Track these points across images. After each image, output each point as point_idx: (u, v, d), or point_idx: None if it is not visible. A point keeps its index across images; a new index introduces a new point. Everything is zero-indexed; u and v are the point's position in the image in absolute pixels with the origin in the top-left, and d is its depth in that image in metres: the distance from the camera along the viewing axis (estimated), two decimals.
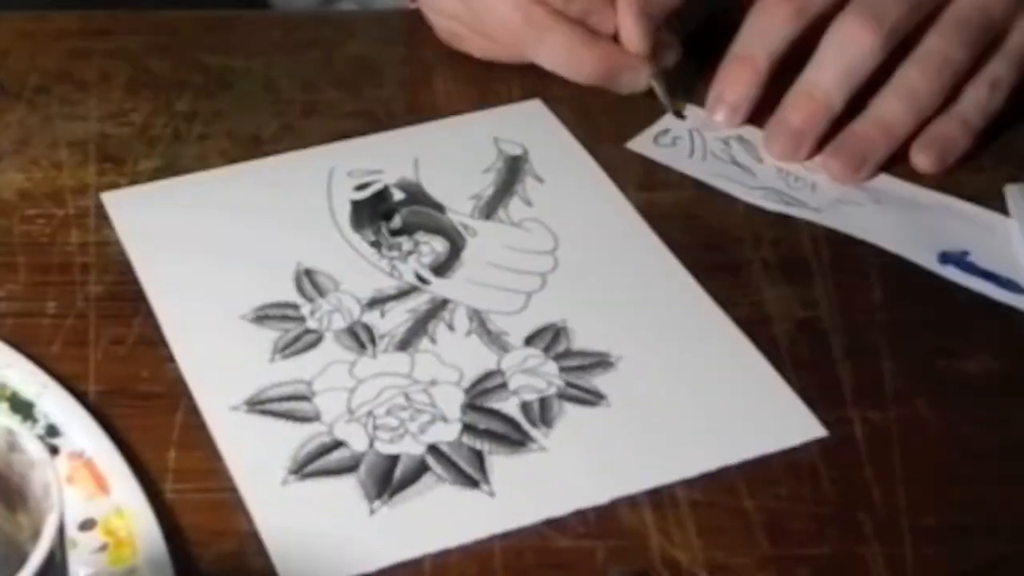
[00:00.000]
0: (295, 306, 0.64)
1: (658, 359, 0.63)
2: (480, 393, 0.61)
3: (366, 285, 0.66)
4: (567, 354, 0.63)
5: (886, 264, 0.68)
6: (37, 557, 0.40)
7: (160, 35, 0.79)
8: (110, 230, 0.68)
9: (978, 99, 0.73)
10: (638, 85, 0.75)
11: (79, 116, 0.74)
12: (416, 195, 0.70)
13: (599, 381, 0.62)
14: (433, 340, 0.63)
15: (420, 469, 0.58)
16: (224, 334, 0.63)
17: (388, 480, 0.58)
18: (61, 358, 0.62)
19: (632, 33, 0.74)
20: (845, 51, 0.71)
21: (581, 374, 0.62)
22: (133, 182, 0.71)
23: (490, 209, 0.70)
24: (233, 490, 0.57)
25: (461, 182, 0.71)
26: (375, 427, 0.59)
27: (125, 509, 0.55)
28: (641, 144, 0.74)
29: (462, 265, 0.67)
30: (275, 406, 0.60)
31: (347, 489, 0.57)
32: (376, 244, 0.68)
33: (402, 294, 0.65)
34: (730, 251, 0.68)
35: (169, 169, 0.71)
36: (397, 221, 0.69)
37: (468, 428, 0.60)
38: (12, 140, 0.73)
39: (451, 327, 0.64)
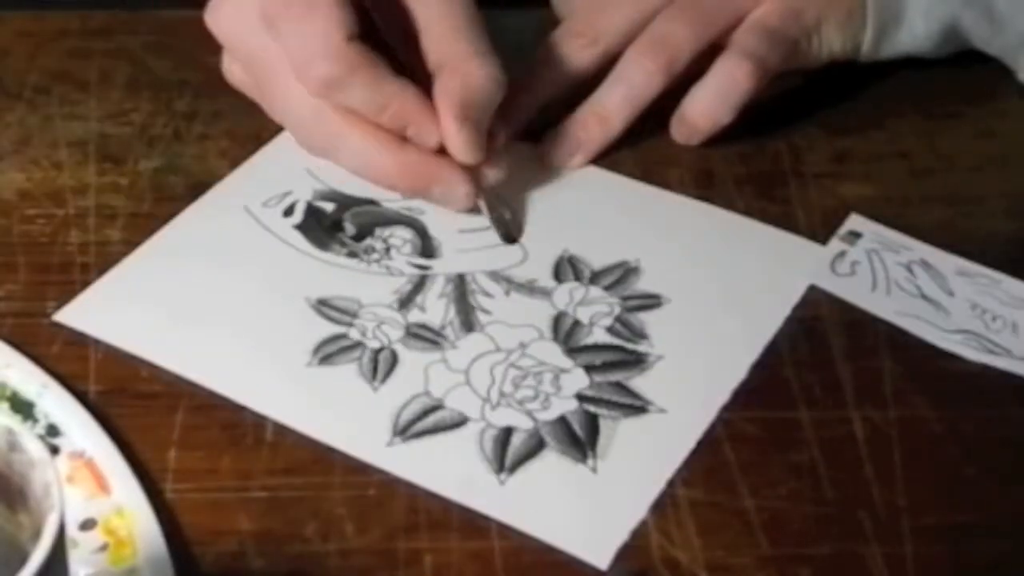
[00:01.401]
0: (344, 335, 0.63)
1: (669, 252, 0.67)
2: (567, 336, 0.63)
3: (382, 291, 0.65)
4: (596, 275, 0.66)
5: None
6: (37, 557, 0.40)
7: (160, 35, 0.79)
8: (111, 229, 0.68)
9: (716, 74, 0.72)
10: (458, 201, 0.68)
11: (79, 116, 0.74)
12: (343, 200, 0.70)
13: (642, 285, 0.65)
14: (486, 311, 0.64)
15: (592, 418, 0.60)
16: (308, 384, 0.61)
17: (577, 440, 0.59)
18: (61, 358, 0.62)
19: (455, 140, 0.66)
20: (630, 81, 0.72)
21: (624, 286, 0.65)
22: (133, 182, 0.71)
23: None
24: (234, 490, 0.57)
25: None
26: (519, 401, 0.60)
27: (125, 509, 0.55)
28: (818, 273, 0.67)
29: (440, 242, 0.67)
30: (421, 424, 0.59)
31: (554, 462, 0.58)
32: (352, 255, 0.67)
33: (418, 286, 0.65)
34: None
35: (169, 169, 0.71)
36: (349, 228, 0.68)
37: (590, 368, 0.62)
38: (12, 140, 0.73)
39: (488, 294, 0.65)
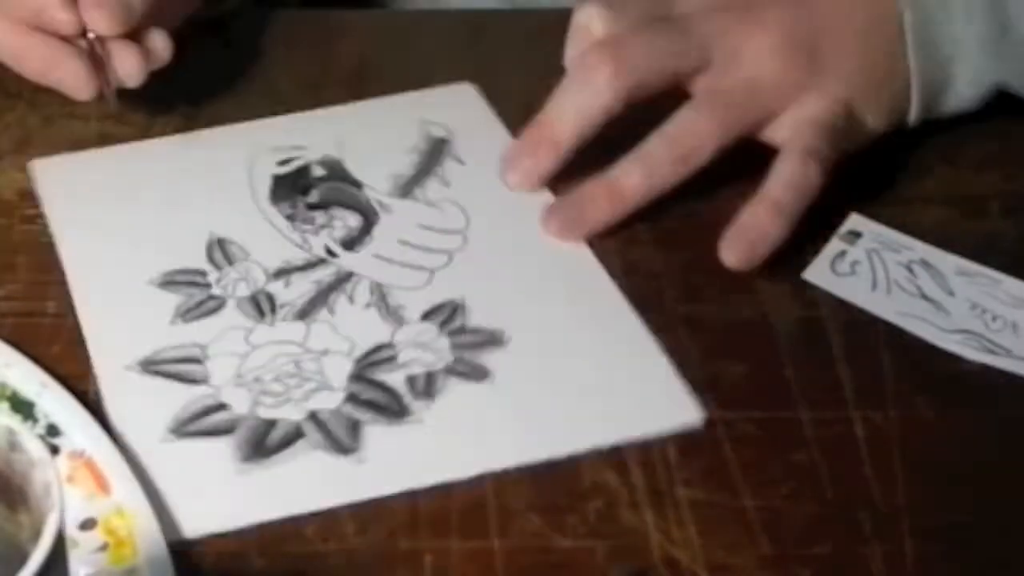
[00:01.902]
0: (203, 273, 0.66)
1: (548, 339, 0.64)
2: (369, 364, 0.62)
3: (275, 256, 0.67)
4: (461, 331, 0.64)
5: None
6: (37, 557, 0.40)
7: None
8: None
9: (786, 174, 0.67)
10: (75, 91, 0.69)
11: (79, 116, 0.74)
12: (336, 172, 0.71)
13: (487, 358, 0.63)
14: (331, 311, 0.64)
15: (295, 435, 0.59)
16: (129, 298, 0.65)
17: (262, 444, 0.59)
18: (61, 358, 0.62)
19: (93, 13, 0.68)
20: (651, 170, 0.67)
21: (472, 350, 0.63)
22: None
23: (407, 188, 0.71)
24: None
25: (382, 161, 0.72)
26: (261, 392, 0.60)
27: (125, 509, 0.55)
28: (818, 273, 0.67)
29: (372, 240, 0.68)
30: (167, 367, 0.62)
31: (222, 449, 0.58)
32: (291, 217, 0.69)
33: (309, 266, 0.66)
34: None
35: None
36: (314, 196, 0.70)
37: (351, 398, 0.61)
38: (12, 140, 0.73)
39: (351, 299, 0.65)
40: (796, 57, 0.69)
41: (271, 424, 0.59)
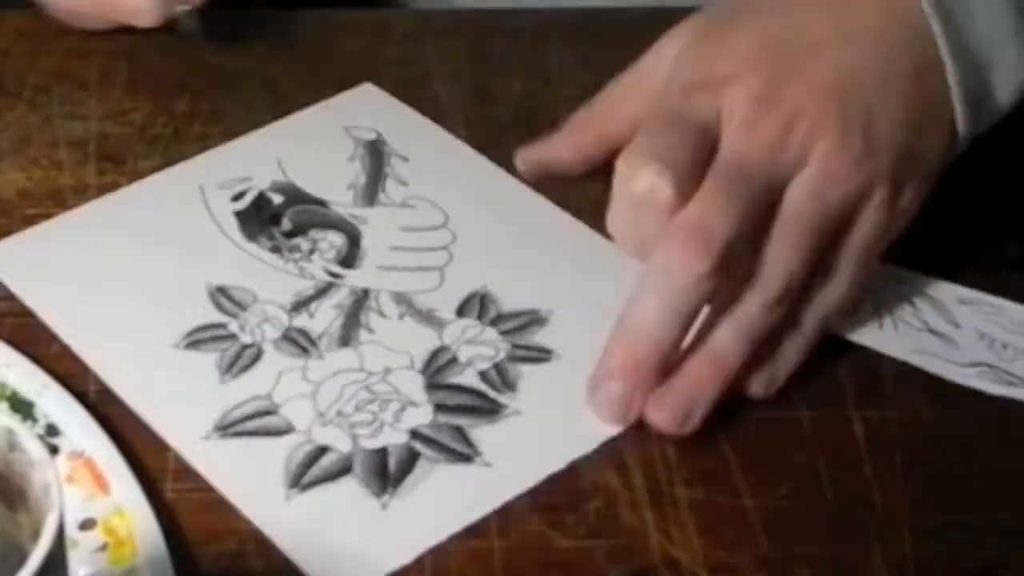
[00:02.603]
0: (222, 325, 0.63)
1: (582, 309, 0.64)
2: (436, 371, 0.62)
3: (283, 290, 0.65)
4: (500, 318, 0.64)
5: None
6: (37, 557, 0.40)
7: (160, 35, 0.79)
8: None
9: (818, 304, 0.62)
10: (139, 16, 0.70)
11: (79, 116, 0.74)
12: (294, 195, 0.70)
13: (539, 338, 0.63)
14: (370, 330, 0.64)
15: (412, 456, 0.58)
16: (164, 366, 0.62)
17: (385, 473, 0.58)
18: (61, 358, 0.62)
19: None
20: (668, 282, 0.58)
21: (522, 334, 0.63)
22: (133, 182, 0.71)
23: (370, 195, 0.70)
24: None
25: (331, 174, 0.71)
26: (351, 425, 0.59)
27: (125, 509, 0.55)
28: None
29: (365, 254, 0.67)
30: (245, 425, 0.59)
31: (351, 490, 0.57)
32: (276, 250, 0.67)
33: (321, 292, 0.65)
34: None
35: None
36: (286, 224, 0.68)
37: (440, 407, 0.60)
38: (12, 140, 0.73)
39: (382, 314, 0.64)
40: (856, 146, 0.61)
41: (384, 452, 0.58)
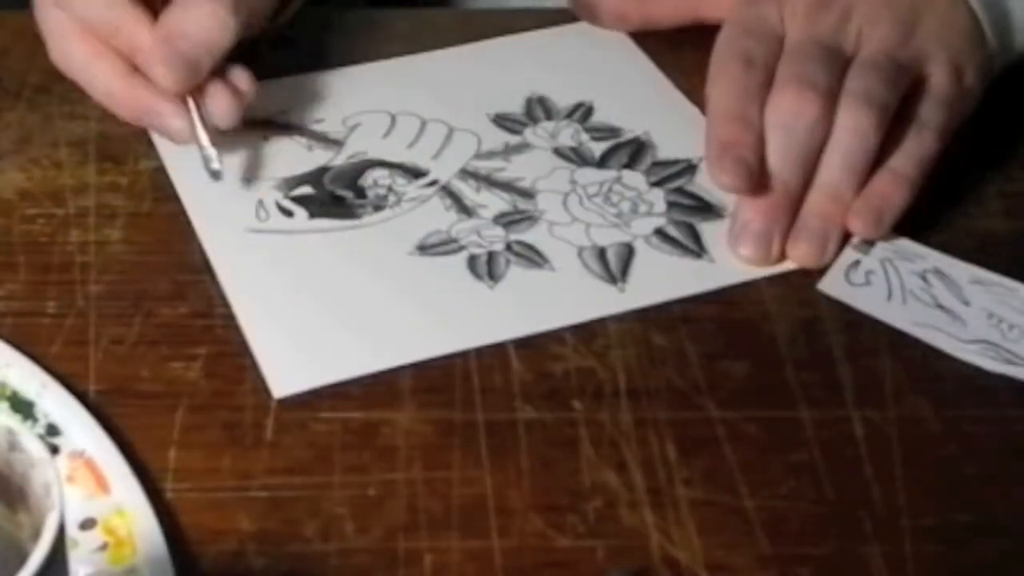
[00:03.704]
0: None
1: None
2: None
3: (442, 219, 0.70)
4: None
5: None
6: (37, 556, 0.40)
7: None
8: (111, 229, 0.68)
9: (912, 148, 0.68)
10: (171, 134, 0.69)
11: (79, 116, 0.74)
12: (310, 178, 0.72)
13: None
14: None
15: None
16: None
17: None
18: (61, 358, 0.62)
19: (156, 67, 0.68)
20: (790, 128, 0.67)
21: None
22: (133, 182, 0.71)
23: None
24: (233, 490, 0.57)
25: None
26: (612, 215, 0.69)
27: (125, 509, 0.55)
28: (833, 284, 0.66)
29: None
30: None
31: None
32: (378, 207, 0.70)
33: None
34: None
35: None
36: (345, 194, 0.70)
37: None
38: (12, 140, 0.73)
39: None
40: (907, 31, 0.71)
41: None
